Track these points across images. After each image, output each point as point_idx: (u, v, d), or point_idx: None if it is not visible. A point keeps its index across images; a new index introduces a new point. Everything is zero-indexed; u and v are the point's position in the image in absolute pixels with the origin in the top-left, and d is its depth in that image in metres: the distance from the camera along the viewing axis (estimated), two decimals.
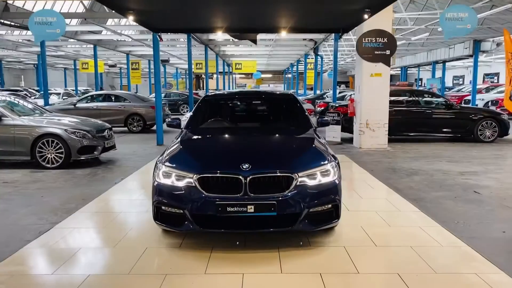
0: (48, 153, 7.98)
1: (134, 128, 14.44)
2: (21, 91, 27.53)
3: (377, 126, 10.47)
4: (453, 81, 40.92)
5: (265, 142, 4.71)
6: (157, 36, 9.14)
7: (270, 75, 62.78)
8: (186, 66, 30.10)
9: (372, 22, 10.04)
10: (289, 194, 3.76)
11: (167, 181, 3.94)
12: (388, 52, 10.29)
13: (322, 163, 4.04)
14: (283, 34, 9.02)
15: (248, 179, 3.73)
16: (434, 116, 11.54)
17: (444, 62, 26.56)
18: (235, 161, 3.94)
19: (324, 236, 4.26)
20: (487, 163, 8.54)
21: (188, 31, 10.33)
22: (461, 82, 39.20)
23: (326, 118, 5.48)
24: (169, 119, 5.46)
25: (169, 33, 12.26)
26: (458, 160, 8.84)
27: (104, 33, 21.02)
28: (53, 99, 24.19)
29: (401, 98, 11.80)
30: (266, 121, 5.68)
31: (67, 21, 17.98)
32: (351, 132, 11.37)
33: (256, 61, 31.97)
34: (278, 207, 3.72)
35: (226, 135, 4.98)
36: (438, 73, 28.90)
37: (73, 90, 32.11)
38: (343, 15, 8.64)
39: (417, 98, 11.84)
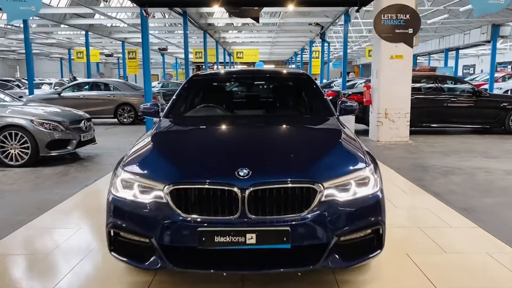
0: (11, 148, 6.70)
1: (124, 120, 13.12)
2: (13, 81, 26.25)
3: (398, 116, 9.13)
4: (463, 71, 39.33)
5: (272, 136, 3.38)
6: (143, 11, 7.82)
7: (272, 66, 61.20)
8: None
9: None
10: (310, 215, 2.45)
11: (127, 195, 2.64)
12: (410, 30, 8.92)
13: (357, 166, 2.72)
14: (291, 8, 7.70)
15: (247, 192, 2.43)
16: (459, 105, 10.19)
17: (457, 49, 25.07)
18: (227, 164, 2.65)
19: (357, 272, 2.96)
20: None
21: (179, 4, 8.94)
22: (471, 72, 37.64)
23: (350, 104, 4.17)
24: (146, 105, 4.16)
25: (157, 7, 10.95)
26: (497, 156, 7.50)
27: (96, 18, 19.66)
28: (44, 89, 22.98)
29: (422, 85, 10.44)
30: (273, 108, 4.32)
31: (54, 3, 16.65)
32: (366, 123, 10.05)
33: (259, 49, 30.51)
34: (293, 235, 2.42)
35: (218, 127, 3.63)
36: (450, 62, 27.40)
37: (67, 80, 30.83)
38: None
39: (440, 85, 10.48)
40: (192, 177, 2.55)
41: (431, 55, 31.95)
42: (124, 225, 2.62)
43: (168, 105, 4.05)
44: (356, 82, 16.38)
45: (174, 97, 4.19)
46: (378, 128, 9.20)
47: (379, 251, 2.69)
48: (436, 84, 10.44)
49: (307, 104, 4.24)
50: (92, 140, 7.77)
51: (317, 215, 2.45)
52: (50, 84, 24.42)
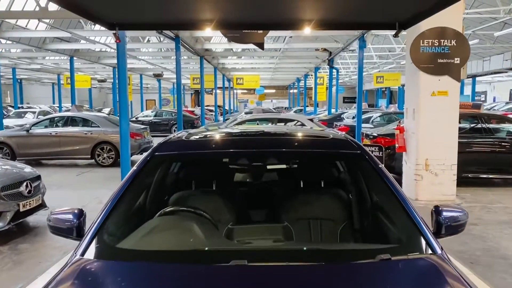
0: None
1: (103, 161, 11.10)
2: None
3: (441, 168, 7.13)
4: (474, 98, 37.60)
5: None
6: (113, 36, 5.98)
7: (273, 91, 59.72)
8: (184, 81, 26.89)
9: (433, 17, 6.82)
10: None
11: None
12: (457, 60, 7.01)
13: None
14: (307, 31, 5.81)
15: None
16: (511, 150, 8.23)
17: (474, 76, 23.31)
18: None
19: None
20: None
21: (157, 26, 7.01)
22: (483, 99, 35.90)
23: (456, 214, 2.16)
24: (57, 213, 2.17)
25: (130, 30, 9.26)
26: None
27: (83, 42, 17.91)
28: (28, 118, 21.07)
29: (465, 125, 8.51)
30: (309, 230, 2.20)
31: (32, 26, 14.89)
32: (396, 172, 8.05)
33: (259, 75, 28.79)
34: None
35: None
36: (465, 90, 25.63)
37: (58, 107, 29.01)
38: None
39: (486, 125, 8.52)
40: None
41: None
42: None
43: (97, 219, 2.02)
44: (372, 116, 14.43)
45: (115, 193, 2.19)
46: (417, 184, 7.19)
47: None
48: (482, 125, 8.49)
49: (370, 215, 2.23)
50: (40, 206, 5.74)
51: None
52: (34, 112, 22.52)
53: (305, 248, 2.01)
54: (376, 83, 25.32)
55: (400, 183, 7.78)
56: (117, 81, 21.29)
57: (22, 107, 26.87)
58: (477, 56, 21.19)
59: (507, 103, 24.12)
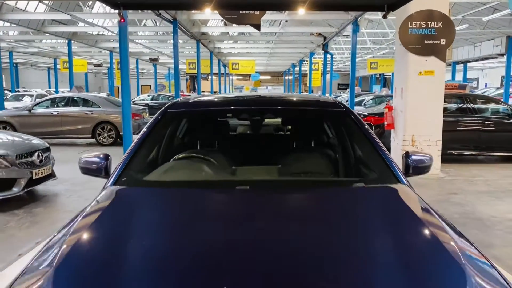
0: None
1: (104, 140, 11.45)
2: None
3: (427, 144, 7.58)
4: None
5: (315, 242, 1.64)
6: (118, 15, 6.29)
7: (268, 77, 59.87)
8: (179, 66, 26.99)
9: (421, 0, 7.22)
10: None
11: None
12: (443, 41, 7.40)
13: None
14: (301, 12, 6.15)
15: None
16: (495, 129, 8.67)
17: (466, 62, 23.72)
18: None
19: None
20: None
21: (159, 6, 7.33)
22: (475, 85, 36.37)
23: (422, 157, 2.58)
24: (88, 156, 2.57)
25: (134, 9, 9.46)
26: None
27: (80, 25, 18.08)
28: (26, 101, 21.28)
29: (451, 106, 8.93)
30: (296, 164, 2.61)
31: (32, 7, 15.07)
32: (387, 149, 8.47)
33: (255, 60, 29.03)
34: None
35: (209, 213, 1.97)
36: (457, 76, 26.03)
37: (54, 91, 29.17)
38: None
39: (471, 105, 8.96)
40: None
41: None
42: None
43: (123, 159, 2.43)
44: (364, 98, 14.86)
45: (136, 140, 2.59)
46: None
47: None
48: (467, 105, 8.92)
49: (353, 159, 2.64)
50: (50, 176, 6.11)
51: None
52: (32, 96, 22.72)
53: (294, 179, 2.44)
54: (370, 69, 25.65)
55: None
56: (113, 65, 21.28)
57: (19, 91, 27.00)
58: (469, 42, 21.57)
59: (497, 88, 24.61)
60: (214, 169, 2.47)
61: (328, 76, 23.86)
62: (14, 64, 31.67)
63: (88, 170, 2.49)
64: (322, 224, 1.80)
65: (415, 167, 2.47)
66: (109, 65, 34.76)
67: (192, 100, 3.14)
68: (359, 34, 21.33)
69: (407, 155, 2.53)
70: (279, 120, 3.27)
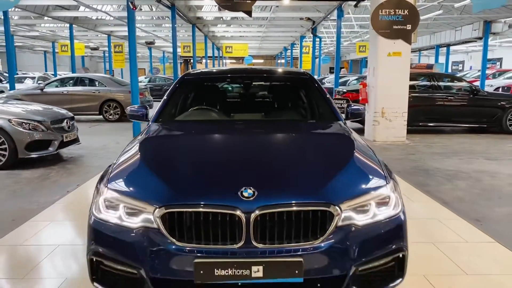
0: None
1: (110, 117, 12.62)
2: None
3: (395, 115, 8.84)
4: (452, 67, 39.35)
5: (277, 147, 3.00)
6: (130, 3, 7.36)
7: (261, 60, 60.66)
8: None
9: None
10: (326, 243, 2.11)
11: (112, 217, 2.26)
12: (409, 26, 8.61)
13: (376, 184, 2.39)
14: (286, 1, 7.31)
15: (252, 216, 2.07)
16: (456, 104, 9.94)
17: (448, 45, 24.92)
18: (229, 183, 2.29)
19: None
20: None
21: None
22: (460, 68, 37.70)
23: (358, 107, 3.82)
24: (133, 107, 3.77)
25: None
26: (498, 158, 7.26)
27: (81, 10, 19.00)
28: (27, 83, 22.24)
29: (419, 83, 10.17)
30: (273, 111, 3.95)
31: None
32: (362, 122, 9.74)
33: (248, 44, 30.02)
34: (307, 267, 2.08)
35: (215, 135, 3.26)
36: (441, 59, 27.30)
37: (52, 74, 30.00)
38: None
39: (437, 83, 10.22)
40: (188, 198, 2.18)
41: (421, 51, 31.84)
42: (107, 253, 2.24)
43: (158, 108, 3.65)
44: (349, 79, 16.09)
45: (164, 97, 3.80)
46: (375, 128, 8.91)
47: (401, 279, 2.36)
48: (433, 82, 10.18)
49: (311, 108, 3.88)
50: (75, 140, 7.31)
51: (333, 243, 2.11)
52: (33, 78, 23.65)
53: (272, 119, 3.71)
54: (358, 52, 26.82)
55: (363, 130, 9.50)
56: (111, 48, 21.99)
57: (17, 74, 27.83)
58: (450, 26, 22.74)
59: (479, 71, 25.88)
60: (219, 115, 3.73)
61: (320, 58, 25.00)
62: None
63: (133, 116, 3.68)
64: (282, 135, 3.19)
65: (352, 113, 3.71)
66: (104, 49, 35.58)
67: (200, 71, 4.37)
68: (348, 18, 22.45)
69: (347, 106, 3.76)
70: (262, 83, 4.54)
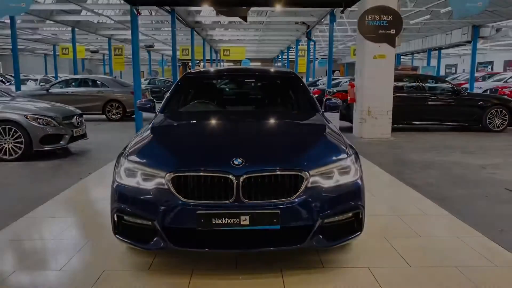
0: (5, 143, 6.83)
1: (113, 116, 13.24)
2: None
3: (380, 113, 9.49)
4: (445, 70, 40.20)
5: (263, 130, 3.69)
6: (134, 10, 8.00)
7: (259, 63, 61.39)
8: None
9: None
10: (298, 199, 2.74)
11: (131, 182, 2.90)
12: (393, 31, 9.27)
13: (339, 157, 3.03)
14: (278, 8, 7.96)
15: (241, 179, 2.70)
16: (439, 103, 10.60)
17: (440, 49, 25.67)
18: (223, 154, 2.92)
19: (340, 252, 3.25)
20: (506, 154, 7.64)
21: (171, 3, 9.14)
22: (453, 71, 38.50)
23: (334, 101, 4.46)
24: (141, 101, 4.39)
25: (148, 6, 11.12)
26: (473, 152, 7.91)
27: (83, 14, 19.63)
28: (30, 85, 22.84)
29: (404, 84, 10.83)
30: (263, 104, 4.65)
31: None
32: (350, 120, 10.39)
33: (245, 47, 30.71)
34: (283, 217, 2.71)
35: (212, 121, 3.93)
36: (433, 62, 28.05)
37: (53, 76, 30.59)
38: None
39: (421, 84, 10.88)
40: (192, 165, 2.81)
41: (414, 55, 32.60)
42: (128, 209, 2.87)
43: (164, 100, 4.29)
44: (341, 81, 16.78)
45: (168, 93, 4.43)
46: (362, 125, 9.55)
47: (359, 232, 3.00)
48: (418, 83, 10.84)
49: (294, 101, 4.52)
50: (84, 136, 7.93)
51: (303, 200, 2.74)
52: (35, 80, 24.25)
53: (260, 110, 4.34)
54: (353, 55, 27.49)
55: (351, 128, 10.15)
56: (111, 51, 22.55)
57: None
58: (441, 31, 23.48)
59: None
60: (216, 107, 4.38)
61: (314, 61, 25.67)
62: None
63: (142, 108, 4.31)
64: (267, 121, 3.89)
65: (329, 106, 4.34)
66: (104, 52, 36.18)
67: (199, 70, 5.03)
68: (342, 23, 23.15)
69: (326, 100, 4.40)
70: (254, 80, 5.20)
